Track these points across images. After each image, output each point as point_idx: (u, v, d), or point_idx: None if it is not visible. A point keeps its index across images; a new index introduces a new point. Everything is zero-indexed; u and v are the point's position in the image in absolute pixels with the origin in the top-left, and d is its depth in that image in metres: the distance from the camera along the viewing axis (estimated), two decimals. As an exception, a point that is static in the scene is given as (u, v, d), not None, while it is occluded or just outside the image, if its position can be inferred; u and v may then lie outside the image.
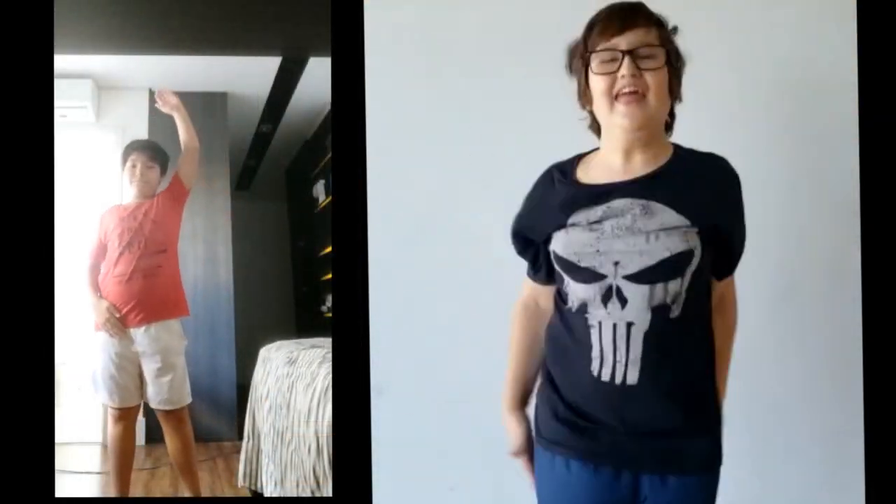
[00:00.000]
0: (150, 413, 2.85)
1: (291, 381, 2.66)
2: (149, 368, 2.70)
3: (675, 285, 1.28)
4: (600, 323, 1.31)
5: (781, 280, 1.93)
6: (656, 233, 1.27)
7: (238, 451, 3.19)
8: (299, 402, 2.48)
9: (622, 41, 1.29)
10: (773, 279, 1.91)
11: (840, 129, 1.89)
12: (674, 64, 1.33)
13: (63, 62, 2.23)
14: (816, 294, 1.94)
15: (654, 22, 1.32)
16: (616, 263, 1.29)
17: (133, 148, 2.86)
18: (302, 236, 5.57)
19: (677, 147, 1.39)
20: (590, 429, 1.34)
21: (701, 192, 1.31)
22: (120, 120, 4.07)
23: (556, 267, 1.38)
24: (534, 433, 1.48)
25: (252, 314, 4.41)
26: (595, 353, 1.31)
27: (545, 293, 1.48)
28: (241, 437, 3.22)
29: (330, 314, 3.70)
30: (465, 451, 1.98)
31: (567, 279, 1.36)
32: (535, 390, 1.51)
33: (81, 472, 3.45)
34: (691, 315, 1.31)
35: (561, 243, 1.35)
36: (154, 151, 2.85)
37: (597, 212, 1.31)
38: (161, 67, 3.87)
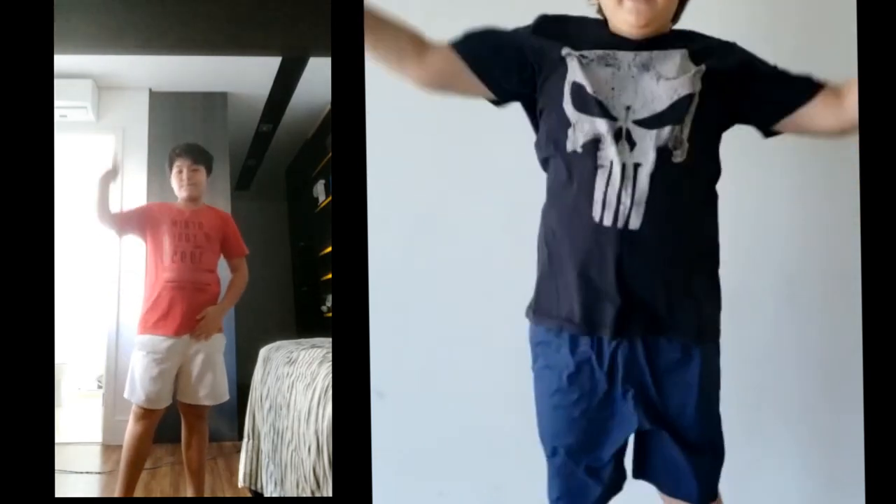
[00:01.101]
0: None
1: (291, 381, 2.66)
2: (196, 364, 2.72)
3: (676, 130, 1.29)
4: (611, 163, 1.29)
5: (782, 283, 1.93)
6: (666, 77, 1.29)
7: (238, 451, 3.19)
8: (299, 402, 2.48)
9: None
10: (773, 282, 1.91)
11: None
12: None
13: (63, 62, 2.23)
14: (817, 296, 1.94)
15: None
16: (628, 108, 1.30)
17: (177, 153, 2.86)
18: (302, 236, 5.57)
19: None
20: (590, 299, 1.34)
21: (706, 44, 1.35)
22: (120, 120, 4.07)
23: (569, 103, 1.34)
24: (532, 310, 1.48)
25: (252, 314, 4.41)
26: (598, 196, 1.30)
27: (448, 65, 1.44)
28: (241, 437, 3.22)
29: (330, 314, 3.69)
30: (465, 452, 1.98)
31: (577, 116, 1.33)
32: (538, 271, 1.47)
33: (81, 472, 3.45)
34: (697, 167, 1.31)
35: (580, 74, 1.32)
36: (197, 154, 2.86)
37: (616, 56, 1.32)
38: (161, 67, 3.88)
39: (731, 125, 1.42)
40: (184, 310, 2.71)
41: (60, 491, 2.13)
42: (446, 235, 1.98)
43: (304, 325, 5.28)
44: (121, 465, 2.74)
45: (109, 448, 3.83)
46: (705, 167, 1.36)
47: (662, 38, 1.35)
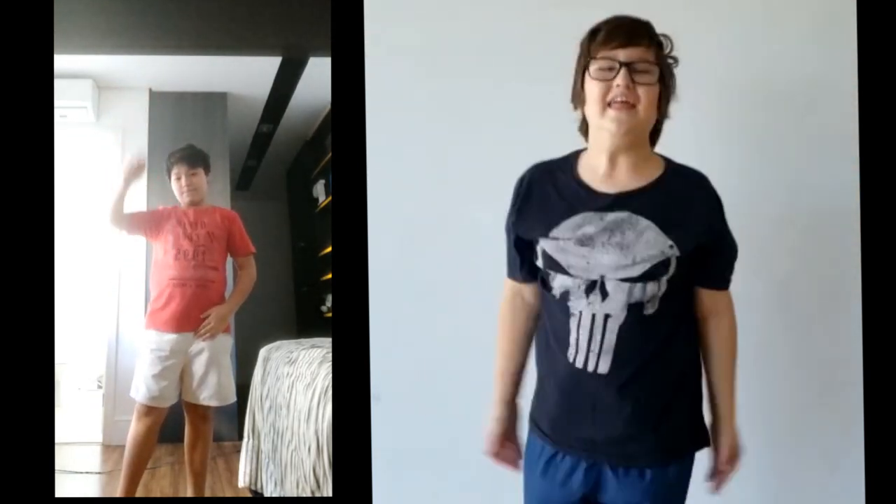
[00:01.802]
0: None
1: (291, 381, 2.66)
2: (199, 364, 2.72)
3: (652, 287, 1.40)
4: (581, 312, 1.42)
5: (782, 288, 1.92)
6: (641, 252, 1.39)
7: (238, 451, 3.19)
8: (299, 402, 2.48)
9: (622, 54, 1.38)
10: (773, 287, 1.91)
11: (840, 135, 1.89)
12: (666, 82, 1.42)
13: (63, 62, 2.23)
14: (813, 302, 1.94)
15: (656, 42, 1.41)
16: (602, 276, 1.41)
17: (174, 161, 2.86)
18: (302, 236, 5.57)
19: (667, 162, 1.47)
20: (567, 425, 1.48)
21: (686, 214, 1.42)
22: (120, 120, 4.08)
23: (541, 264, 1.47)
24: (528, 423, 1.58)
25: (252, 314, 4.40)
26: (572, 340, 1.42)
27: (528, 289, 1.57)
28: (241, 437, 3.22)
29: (330, 314, 3.69)
30: (465, 453, 1.98)
31: (549, 273, 1.46)
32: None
33: (81, 472, 3.45)
34: (665, 315, 1.42)
35: (553, 248, 1.44)
36: (193, 157, 2.86)
37: (591, 226, 1.42)
38: (161, 67, 3.88)
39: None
40: (187, 306, 2.70)
41: (60, 491, 2.13)
42: (446, 235, 1.98)
43: (304, 325, 5.28)
44: (123, 464, 2.74)
45: (109, 448, 3.84)
46: (676, 310, 1.44)
47: (633, 199, 1.42)
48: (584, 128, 1.48)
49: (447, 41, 1.98)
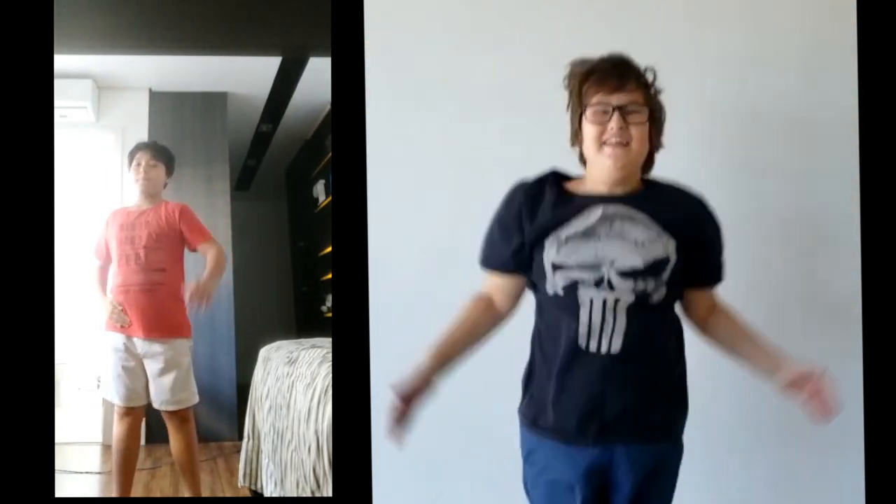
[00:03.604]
0: (151, 413, 2.85)
1: (291, 381, 2.66)
2: (152, 369, 2.71)
3: (656, 281, 1.52)
4: (591, 299, 1.52)
5: (782, 292, 1.93)
6: (642, 242, 1.52)
7: (238, 451, 3.19)
8: (299, 402, 2.48)
9: (614, 98, 1.53)
10: (774, 292, 1.91)
11: (840, 141, 1.89)
12: (655, 117, 1.56)
13: (63, 62, 2.23)
14: (817, 301, 1.94)
15: (643, 83, 1.56)
16: (612, 262, 1.51)
17: (138, 148, 2.87)
18: (302, 236, 5.57)
19: (647, 180, 1.61)
20: (579, 415, 1.54)
21: (673, 211, 1.56)
22: (120, 120, 4.08)
23: (549, 270, 1.54)
24: (525, 423, 1.62)
25: (252, 314, 4.41)
26: (583, 327, 1.52)
27: (502, 288, 1.65)
28: (241, 437, 3.22)
29: (330, 314, 3.70)
30: (465, 452, 1.98)
31: (558, 271, 1.54)
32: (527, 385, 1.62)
33: (81, 472, 3.45)
34: (667, 305, 1.55)
35: (560, 254, 1.53)
36: (158, 151, 2.85)
37: (590, 218, 1.54)
38: (161, 67, 3.88)
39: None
40: (138, 313, 2.69)
41: (60, 491, 2.13)
42: (446, 235, 1.98)
43: (304, 325, 5.28)
44: (113, 465, 2.76)
45: (109, 448, 3.83)
46: (671, 305, 1.58)
47: (630, 199, 1.55)
48: (584, 160, 1.60)
49: (447, 42, 1.98)
